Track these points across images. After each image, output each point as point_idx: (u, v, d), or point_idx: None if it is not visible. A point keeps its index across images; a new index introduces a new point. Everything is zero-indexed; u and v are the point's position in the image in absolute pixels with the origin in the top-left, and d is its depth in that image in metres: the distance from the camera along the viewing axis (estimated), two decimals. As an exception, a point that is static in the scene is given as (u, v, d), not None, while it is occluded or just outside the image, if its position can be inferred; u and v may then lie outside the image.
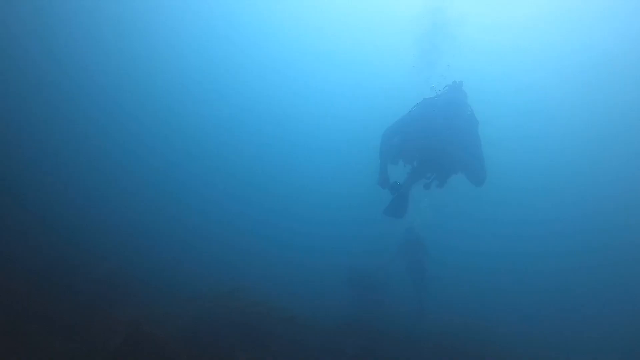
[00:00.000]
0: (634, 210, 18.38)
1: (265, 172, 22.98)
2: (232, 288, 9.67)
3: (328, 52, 27.38)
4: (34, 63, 19.60)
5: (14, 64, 18.82)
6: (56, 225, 10.96)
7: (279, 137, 26.08)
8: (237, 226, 17.35)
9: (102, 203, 14.22)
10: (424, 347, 8.45)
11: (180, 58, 25.25)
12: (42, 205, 11.75)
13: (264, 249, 15.47)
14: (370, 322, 9.34)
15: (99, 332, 6.40)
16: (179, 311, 8.17)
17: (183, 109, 23.62)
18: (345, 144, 24.22)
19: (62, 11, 20.90)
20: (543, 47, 22.52)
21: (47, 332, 5.94)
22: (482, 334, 10.01)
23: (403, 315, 10.18)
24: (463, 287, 13.28)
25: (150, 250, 11.84)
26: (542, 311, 12.57)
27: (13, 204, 10.98)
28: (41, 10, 20.10)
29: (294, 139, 26.32)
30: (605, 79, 21.75)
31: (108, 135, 19.17)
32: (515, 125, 23.22)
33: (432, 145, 6.81)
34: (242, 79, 26.66)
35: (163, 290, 9.20)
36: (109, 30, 22.57)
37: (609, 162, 21.52)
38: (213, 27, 25.50)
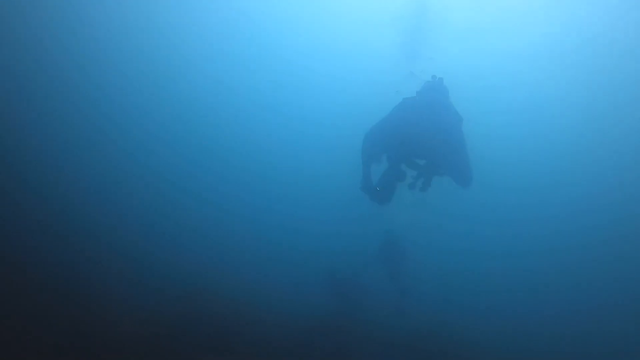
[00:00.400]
0: (628, 209, 18.22)
1: (242, 168, 22.52)
2: (198, 288, 9.54)
3: (308, 46, 26.67)
4: (37, 60, 19.45)
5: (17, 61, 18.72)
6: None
7: (253, 132, 25.36)
8: (207, 223, 17.01)
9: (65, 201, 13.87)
10: (402, 347, 8.38)
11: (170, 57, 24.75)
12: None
13: (237, 247, 15.23)
14: (345, 323, 9.21)
15: (67, 330, 6.37)
16: (143, 311, 8.02)
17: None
18: (325, 140, 23.79)
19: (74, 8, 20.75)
20: (534, 36, 21.97)
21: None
22: (462, 334, 9.86)
23: (381, 316, 10.03)
24: (444, 287, 13.18)
25: (116, 250, 11.51)
26: (528, 312, 12.55)
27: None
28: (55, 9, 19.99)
29: (269, 134, 25.61)
30: (603, 72, 21.34)
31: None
32: (503, 120, 22.89)
33: (416, 147, 6.58)
34: (212, 75, 25.82)
35: (127, 290, 9.03)
36: (107, 29, 22.27)
37: (603, 159, 21.20)
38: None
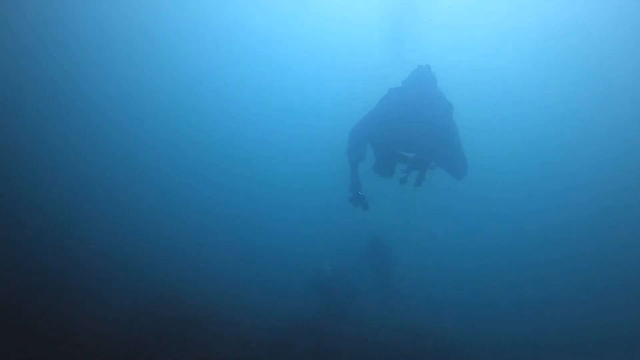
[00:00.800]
0: (628, 203, 18.14)
1: (223, 168, 22.08)
2: (178, 288, 9.39)
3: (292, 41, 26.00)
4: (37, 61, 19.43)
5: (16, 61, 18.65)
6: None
7: (232, 130, 24.73)
8: (187, 223, 16.69)
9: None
10: (389, 348, 8.27)
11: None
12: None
13: (218, 247, 14.97)
14: (330, 324, 9.03)
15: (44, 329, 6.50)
16: (121, 311, 7.97)
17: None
18: (309, 136, 23.38)
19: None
20: (527, 20, 21.66)
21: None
22: (453, 333, 9.64)
23: (368, 316, 9.85)
24: (434, 286, 13.04)
25: (95, 249, 11.29)
26: (522, 309, 12.37)
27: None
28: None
29: (249, 131, 24.97)
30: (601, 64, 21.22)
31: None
32: (496, 108, 22.71)
33: (405, 139, 6.16)
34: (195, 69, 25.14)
35: (105, 290, 8.96)
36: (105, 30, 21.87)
37: (603, 147, 21.06)
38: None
